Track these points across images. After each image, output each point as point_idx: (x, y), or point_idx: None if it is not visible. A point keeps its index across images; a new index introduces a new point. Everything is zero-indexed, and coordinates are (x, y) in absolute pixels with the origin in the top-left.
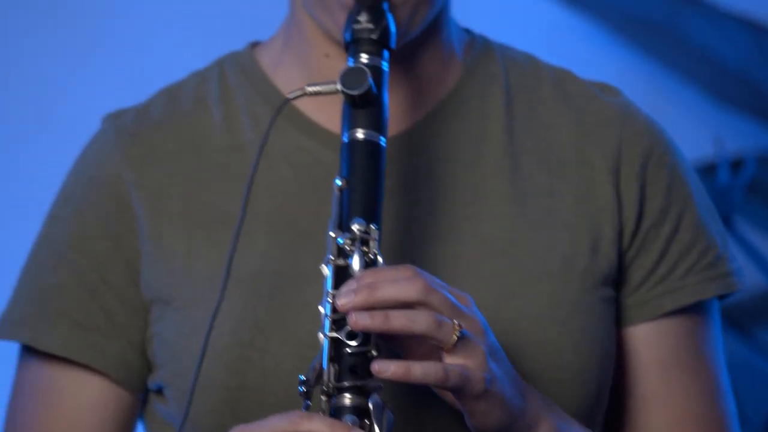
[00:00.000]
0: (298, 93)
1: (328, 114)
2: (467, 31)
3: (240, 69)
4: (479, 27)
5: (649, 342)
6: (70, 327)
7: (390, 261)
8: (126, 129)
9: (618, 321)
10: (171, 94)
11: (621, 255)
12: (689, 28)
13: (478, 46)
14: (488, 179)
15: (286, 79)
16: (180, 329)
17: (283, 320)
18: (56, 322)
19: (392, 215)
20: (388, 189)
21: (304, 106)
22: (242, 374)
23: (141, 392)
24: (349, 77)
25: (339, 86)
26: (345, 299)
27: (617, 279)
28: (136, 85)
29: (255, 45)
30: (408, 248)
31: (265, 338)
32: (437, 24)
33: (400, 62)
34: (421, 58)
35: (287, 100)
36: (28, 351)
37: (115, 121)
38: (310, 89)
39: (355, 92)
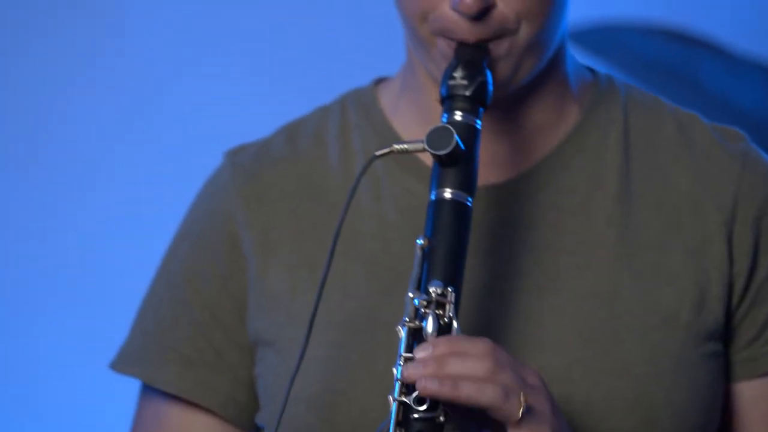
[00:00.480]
0: (386, 150)
1: None
2: (591, 70)
3: (361, 106)
4: None
5: (758, 399)
6: (181, 363)
7: (486, 312)
8: (243, 166)
9: (726, 375)
10: (292, 131)
11: (730, 310)
12: (707, 75)
13: (602, 86)
14: (596, 229)
15: (403, 123)
16: (278, 371)
17: (373, 367)
18: (168, 358)
19: (491, 265)
20: (487, 238)
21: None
22: (329, 421)
23: (252, 428)
24: (435, 136)
25: (425, 145)
26: (413, 371)
27: (725, 334)
28: (136, 85)
29: (379, 82)
30: (503, 298)
31: (355, 385)
32: (553, 67)
33: (508, 110)
34: (531, 104)
35: (374, 157)
36: (145, 384)
37: (233, 157)
38: (398, 147)
39: (440, 152)
